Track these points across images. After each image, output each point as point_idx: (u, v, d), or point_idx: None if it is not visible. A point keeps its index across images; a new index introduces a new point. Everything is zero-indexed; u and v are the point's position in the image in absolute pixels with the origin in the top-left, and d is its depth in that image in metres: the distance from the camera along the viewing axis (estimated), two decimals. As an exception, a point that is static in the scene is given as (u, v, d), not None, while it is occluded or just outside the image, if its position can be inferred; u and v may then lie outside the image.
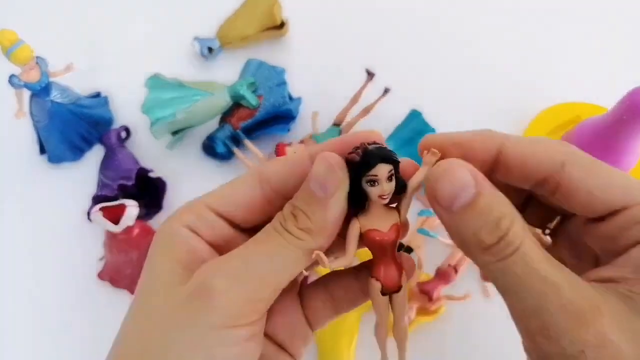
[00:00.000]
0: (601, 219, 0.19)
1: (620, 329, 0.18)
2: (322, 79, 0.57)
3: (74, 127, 0.52)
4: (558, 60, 0.61)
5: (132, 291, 0.49)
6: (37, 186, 0.53)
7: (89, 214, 0.48)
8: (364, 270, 0.25)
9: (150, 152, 0.54)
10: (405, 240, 0.47)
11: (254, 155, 0.51)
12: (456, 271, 0.44)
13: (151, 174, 0.51)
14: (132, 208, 0.45)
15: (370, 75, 0.50)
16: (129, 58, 0.61)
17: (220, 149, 0.52)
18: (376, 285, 0.23)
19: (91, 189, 0.52)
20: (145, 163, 0.52)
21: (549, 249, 0.20)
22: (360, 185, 0.22)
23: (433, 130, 0.48)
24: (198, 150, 0.54)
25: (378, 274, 0.23)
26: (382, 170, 0.21)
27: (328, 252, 0.22)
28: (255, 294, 0.21)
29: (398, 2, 0.66)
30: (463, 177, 0.19)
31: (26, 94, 0.49)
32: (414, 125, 0.49)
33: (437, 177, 0.20)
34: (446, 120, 0.50)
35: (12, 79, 0.47)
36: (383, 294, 0.23)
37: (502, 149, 0.20)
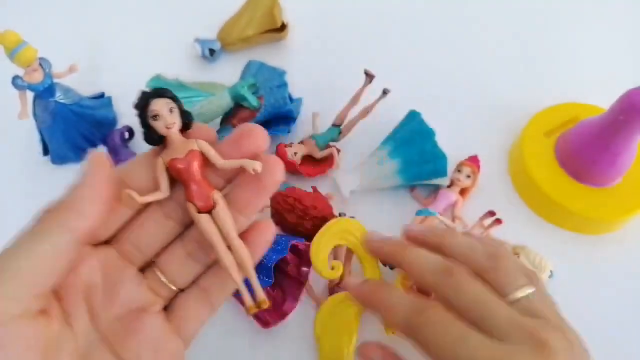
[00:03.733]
0: None
1: None
2: (322, 80, 0.58)
3: (77, 127, 0.52)
4: (556, 61, 0.61)
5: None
6: (41, 187, 0.54)
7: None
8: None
9: (152, 152, 0.54)
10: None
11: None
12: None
13: (153, 174, 0.51)
14: (134, 208, 0.46)
15: (369, 76, 0.50)
16: (131, 59, 0.61)
17: (221, 149, 0.52)
18: (191, 208, 0.25)
19: (94, 189, 0.52)
20: (147, 163, 0.52)
21: None
22: (149, 124, 0.25)
23: (432, 130, 0.49)
24: (199, 150, 0.54)
25: (190, 197, 0.25)
26: (160, 104, 0.25)
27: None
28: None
29: (397, 3, 0.66)
30: None
31: (29, 95, 0.49)
32: (413, 126, 0.50)
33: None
34: (445, 120, 0.50)
35: (15, 81, 0.47)
36: (200, 212, 0.25)
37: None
